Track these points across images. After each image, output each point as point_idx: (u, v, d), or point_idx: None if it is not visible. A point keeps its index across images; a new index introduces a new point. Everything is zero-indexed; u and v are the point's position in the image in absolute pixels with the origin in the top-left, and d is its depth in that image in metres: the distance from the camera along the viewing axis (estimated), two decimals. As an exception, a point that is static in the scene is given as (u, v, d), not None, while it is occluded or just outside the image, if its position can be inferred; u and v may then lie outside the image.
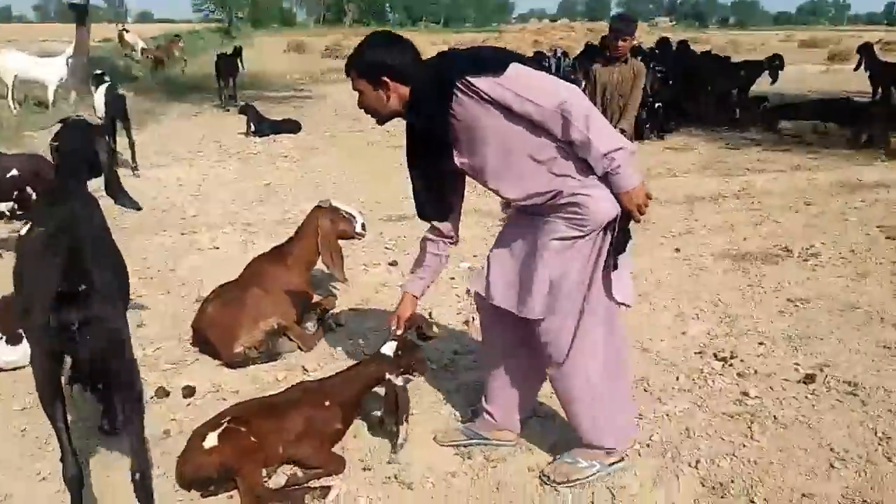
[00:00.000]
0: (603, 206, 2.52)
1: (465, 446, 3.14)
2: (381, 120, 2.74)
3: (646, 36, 25.24)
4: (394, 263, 5.48)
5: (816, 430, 3.26)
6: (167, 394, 3.59)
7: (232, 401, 3.47)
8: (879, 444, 3.15)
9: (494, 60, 2.51)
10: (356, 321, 4.45)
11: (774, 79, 13.36)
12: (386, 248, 5.86)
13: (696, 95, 12.36)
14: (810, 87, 18.04)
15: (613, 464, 2.94)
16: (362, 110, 2.74)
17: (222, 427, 2.83)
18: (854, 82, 15.02)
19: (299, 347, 4.03)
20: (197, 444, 2.82)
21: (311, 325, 4.29)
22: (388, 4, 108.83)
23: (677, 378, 3.74)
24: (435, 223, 2.92)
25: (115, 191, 3.00)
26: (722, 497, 2.84)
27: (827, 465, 3.02)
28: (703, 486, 2.91)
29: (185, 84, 18.79)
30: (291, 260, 4.42)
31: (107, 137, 3.47)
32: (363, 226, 4.63)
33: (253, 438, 2.80)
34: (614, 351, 2.85)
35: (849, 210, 6.98)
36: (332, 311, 4.49)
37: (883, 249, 5.75)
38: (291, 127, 11.53)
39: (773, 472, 2.98)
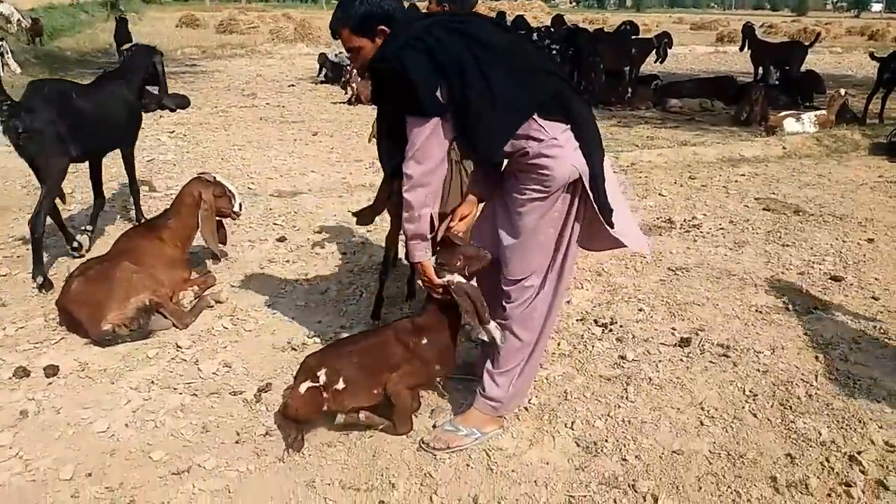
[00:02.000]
0: (564, 166, 2.54)
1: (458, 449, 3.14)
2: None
3: (545, 15, 25.59)
4: (282, 239, 5.31)
5: (689, 390, 3.36)
6: (27, 374, 3.35)
7: (99, 380, 3.29)
8: (746, 402, 3.28)
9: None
10: (238, 297, 4.28)
11: (663, 58, 13.79)
12: (275, 223, 5.68)
13: (588, 73, 12.59)
14: (700, 67, 18.76)
15: (490, 432, 2.96)
16: (356, 66, 2.78)
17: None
18: (740, 62, 15.69)
19: (174, 324, 3.84)
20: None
21: (187, 302, 4.10)
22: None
23: (559, 344, 3.78)
24: None
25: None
26: (595, 455, 2.89)
27: (697, 423, 3.12)
28: (578, 445, 2.96)
29: (69, 58, 17.65)
30: (167, 233, 4.21)
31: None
32: (240, 206, 4.45)
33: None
34: (553, 319, 2.94)
35: (730, 183, 7.27)
36: (211, 288, 4.31)
37: (760, 220, 6.02)
38: (180, 102, 11.01)
39: (646, 431, 3.05)
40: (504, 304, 2.83)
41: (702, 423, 3.11)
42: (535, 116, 2.52)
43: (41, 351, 3.60)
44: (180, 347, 3.64)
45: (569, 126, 2.58)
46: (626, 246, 2.80)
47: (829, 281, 4.73)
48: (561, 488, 2.71)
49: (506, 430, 3.01)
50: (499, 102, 2.45)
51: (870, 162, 8.31)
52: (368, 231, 5.54)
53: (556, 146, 2.53)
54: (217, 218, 4.28)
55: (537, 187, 2.58)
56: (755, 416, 3.18)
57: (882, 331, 4.00)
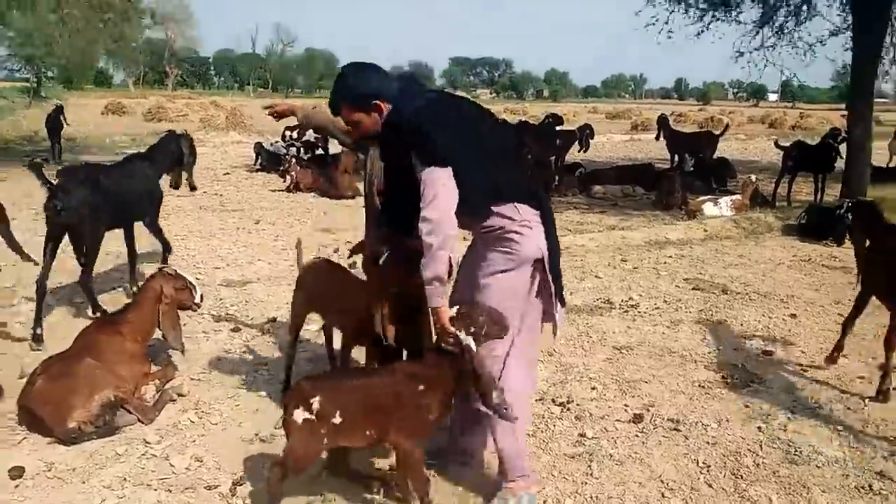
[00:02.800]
0: (531, 244, 2.89)
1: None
2: (370, 139, 3.07)
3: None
4: (236, 329, 5.34)
5: (647, 465, 3.56)
6: (-10, 478, 3.27)
7: (69, 480, 3.24)
8: (701, 473, 3.50)
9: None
10: (200, 390, 4.28)
11: (586, 147, 14.59)
12: (227, 314, 5.70)
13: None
14: (618, 154, 19.81)
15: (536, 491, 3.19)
16: (357, 139, 3.25)
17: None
18: (655, 149, 16.68)
19: (139, 420, 3.82)
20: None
21: (150, 397, 4.09)
22: (212, 68, 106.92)
23: (522, 426, 3.94)
24: None
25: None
26: (570, 534, 3.02)
27: (659, 496, 3.30)
28: (551, 524, 3.08)
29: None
30: (127, 328, 4.21)
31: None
32: (202, 297, 4.52)
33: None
34: (530, 384, 3.18)
35: (660, 265, 7.72)
36: (172, 382, 4.30)
37: (691, 299, 6.41)
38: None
39: (613, 506, 3.22)
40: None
41: (663, 496, 3.30)
42: (517, 202, 2.89)
43: (3, 452, 3.51)
44: (149, 443, 3.62)
45: (539, 213, 2.94)
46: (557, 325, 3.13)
47: (762, 355, 5.08)
48: (540, 565, 2.82)
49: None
50: (489, 178, 2.85)
51: (783, 242, 8.96)
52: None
53: (526, 227, 2.89)
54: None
55: (506, 259, 2.89)
56: (710, 486, 3.39)
57: (814, 401, 4.33)
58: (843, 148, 11.35)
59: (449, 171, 2.70)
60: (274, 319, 5.57)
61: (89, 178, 5.40)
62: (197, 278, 6.40)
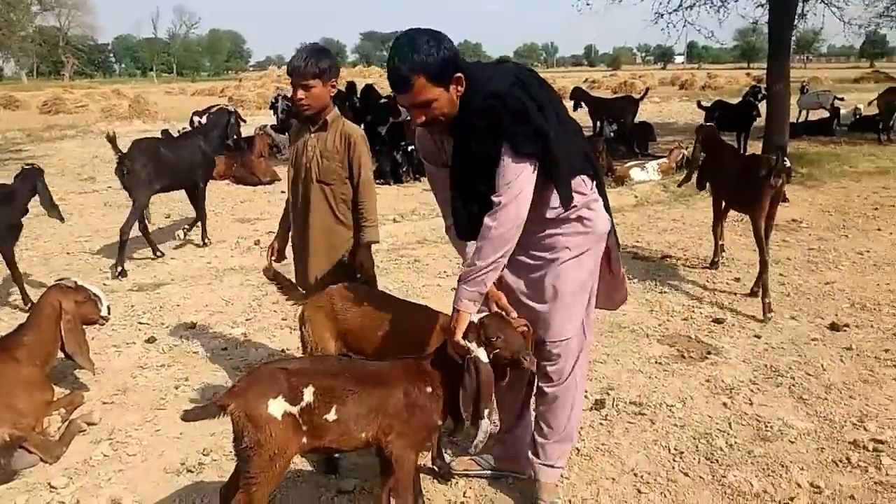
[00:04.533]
0: (603, 216, 2.66)
1: (477, 476, 3.13)
2: (443, 127, 2.47)
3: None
4: (151, 340, 4.81)
5: (617, 457, 3.30)
6: None
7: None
8: (674, 461, 3.26)
9: None
10: (113, 416, 3.78)
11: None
12: (140, 323, 5.16)
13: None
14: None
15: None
16: (423, 125, 2.46)
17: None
18: (575, 118, 16.54)
19: (42, 459, 3.32)
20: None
21: (54, 430, 3.58)
22: (112, 55, 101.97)
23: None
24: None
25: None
26: (546, 546, 2.73)
27: (635, 492, 3.05)
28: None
29: None
30: (23, 352, 3.67)
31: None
32: (108, 309, 4.02)
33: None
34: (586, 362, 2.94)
35: (595, 234, 7.50)
36: (80, 409, 3.80)
37: (633, 269, 6.22)
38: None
39: (588, 509, 2.94)
40: (547, 368, 2.76)
41: (640, 492, 3.05)
42: (583, 175, 2.60)
43: None
44: (54, 488, 3.12)
45: (595, 180, 2.66)
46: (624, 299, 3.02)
47: (713, 324, 4.92)
48: (519, 590, 2.52)
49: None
50: (568, 151, 2.50)
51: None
52: (248, 320, 5.18)
53: (595, 200, 2.64)
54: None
55: (584, 239, 2.63)
56: (686, 475, 3.16)
57: (773, 369, 4.18)
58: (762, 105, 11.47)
59: (534, 161, 2.37)
60: (193, 325, 5.07)
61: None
62: (104, 284, 5.87)
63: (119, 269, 6.25)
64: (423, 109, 2.35)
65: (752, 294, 5.42)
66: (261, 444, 2.19)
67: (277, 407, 2.21)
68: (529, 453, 2.93)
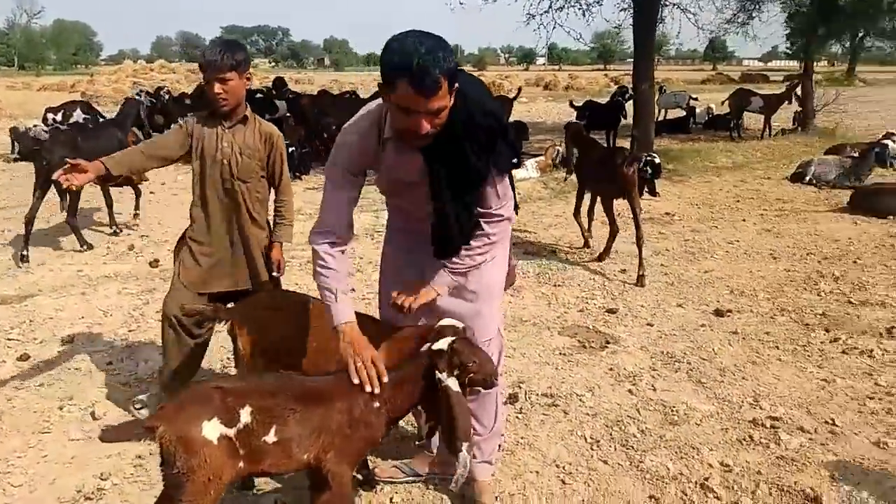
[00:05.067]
0: (512, 212, 2.65)
1: (402, 483, 3.05)
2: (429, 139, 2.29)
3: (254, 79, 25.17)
4: (24, 357, 4.37)
5: (538, 449, 3.33)
6: None
7: None
8: (592, 450, 3.33)
9: None
10: (-12, 443, 3.40)
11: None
12: (9, 339, 4.67)
13: (322, 133, 12.57)
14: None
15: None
16: (432, 130, 2.21)
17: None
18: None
19: None
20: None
21: (-80, 463, 3.17)
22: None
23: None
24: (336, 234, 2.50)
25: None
26: (480, 545, 2.70)
27: (560, 483, 3.08)
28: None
29: None
30: None
31: None
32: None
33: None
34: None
35: (484, 231, 7.59)
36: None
37: (524, 264, 6.32)
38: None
39: (517, 503, 2.94)
40: None
41: (564, 482, 3.08)
42: None
43: None
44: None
45: None
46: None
47: (607, 314, 5.09)
48: (460, 593, 2.47)
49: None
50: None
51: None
52: (131, 331, 4.83)
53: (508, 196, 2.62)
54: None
55: (496, 235, 2.60)
56: (606, 462, 3.23)
57: (669, 355, 4.37)
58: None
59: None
60: (71, 339, 4.65)
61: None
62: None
63: (23, 253, 6.36)
64: (435, 116, 2.17)
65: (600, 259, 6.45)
66: (194, 470, 1.99)
67: (212, 430, 2.02)
68: None
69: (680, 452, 3.29)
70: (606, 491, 3.02)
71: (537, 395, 3.86)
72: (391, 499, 2.97)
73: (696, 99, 18.54)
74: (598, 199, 6.77)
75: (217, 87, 3.11)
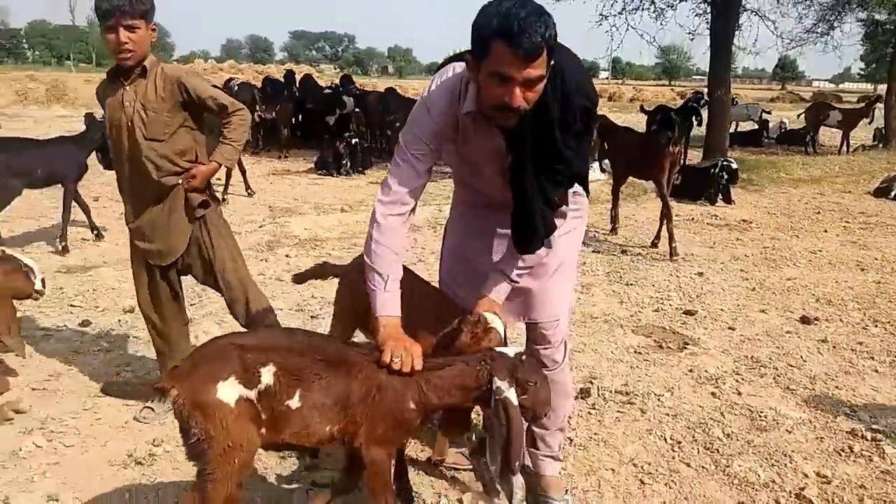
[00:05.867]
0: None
1: (465, 470, 2.87)
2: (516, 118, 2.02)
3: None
4: (86, 324, 4.34)
5: (613, 447, 3.09)
6: None
7: None
8: (674, 451, 3.07)
9: None
10: (45, 405, 3.32)
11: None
12: (72, 306, 4.66)
13: (385, 131, 12.53)
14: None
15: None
16: (517, 108, 1.94)
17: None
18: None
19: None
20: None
21: (-24, 418, 3.12)
22: (25, 41, 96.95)
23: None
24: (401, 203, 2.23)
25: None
26: (553, 542, 2.47)
27: (638, 483, 2.83)
28: (530, 533, 2.52)
29: None
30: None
31: None
32: (43, 282, 3.55)
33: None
34: None
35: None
36: (5, 395, 3.33)
37: (595, 262, 6.08)
38: None
39: (592, 501, 2.70)
40: (543, 351, 2.50)
41: (643, 482, 2.83)
42: None
43: None
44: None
45: None
46: None
47: (684, 315, 4.79)
48: (532, 590, 2.25)
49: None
50: None
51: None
52: (192, 304, 4.75)
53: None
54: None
55: (577, 211, 2.43)
56: (689, 465, 2.97)
57: (754, 360, 4.06)
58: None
59: None
60: (131, 310, 4.59)
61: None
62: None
63: (62, 244, 5.99)
64: (529, 89, 1.92)
65: (654, 245, 6.66)
66: (211, 437, 1.80)
67: (230, 391, 1.83)
68: (526, 446, 2.64)
69: (770, 459, 3.00)
70: (690, 494, 2.76)
71: (611, 391, 3.61)
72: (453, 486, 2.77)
73: (768, 112, 17.90)
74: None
75: (124, 36, 2.81)
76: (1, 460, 2.85)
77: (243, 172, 8.79)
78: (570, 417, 3.28)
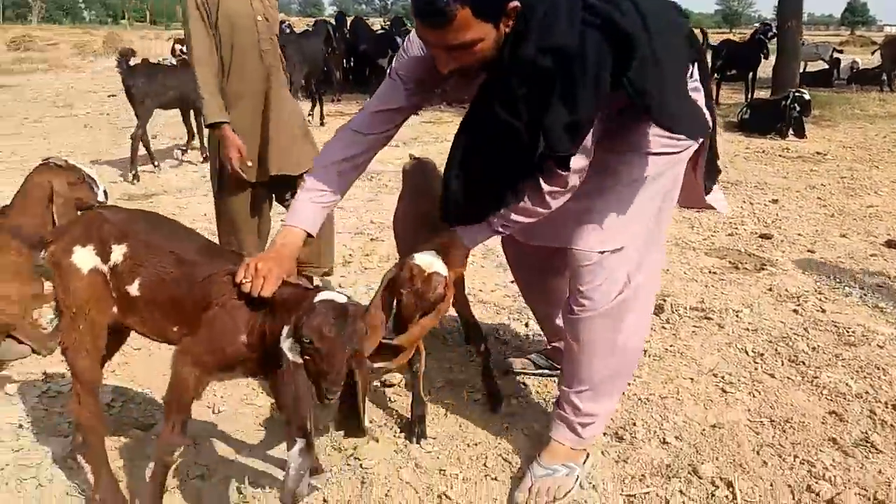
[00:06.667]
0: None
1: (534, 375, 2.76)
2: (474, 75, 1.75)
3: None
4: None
5: (691, 358, 2.94)
6: None
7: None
8: (756, 363, 2.91)
9: None
10: (112, 311, 3.34)
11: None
12: (134, 227, 4.70)
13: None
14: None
15: (585, 461, 2.20)
16: (454, 72, 1.71)
17: None
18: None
19: (34, 350, 2.88)
20: None
21: (46, 322, 3.14)
22: (81, 1, 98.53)
23: (527, 324, 3.25)
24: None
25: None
26: (629, 443, 2.36)
27: (719, 391, 2.69)
28: (604, 434, 2.40)
29: None
30: (6, 238, 3.19)
31: None
32: (105, 193, 3.53)
33: None
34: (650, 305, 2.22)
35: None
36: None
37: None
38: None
39: (671, 407, 2.58)
40: (580, 291, 1.98)
41: (724, 391, 2.68)
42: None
43: None
44: (51, 377, 2.70)
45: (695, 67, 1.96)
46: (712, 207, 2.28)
47: (760, 239, 4.57)
48: (612, 487, 2.15)
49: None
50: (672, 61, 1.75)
51: (729, 137, 8.52)
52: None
53: (696, 90, 1.94)
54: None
55: (666, 140, 1.89)
56: (773, 376, 2.80)
57: (837, 280, 3.83)
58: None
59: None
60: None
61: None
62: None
63: (133, 172, 6.16)
64: (462, 55, 1.65)
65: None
66: (63, 299, 1.83)
67: (84, 258, 1.81)
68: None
69: (862, 372, 2.81)
70: (776, 403, 2.61)
71: (685, 308, 3.45)
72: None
73: (840, 52, 16.98)
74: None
75: None
76: (71, 360, 2.87)
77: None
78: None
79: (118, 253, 1.80)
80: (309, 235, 1.93)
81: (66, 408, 2.39)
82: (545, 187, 1.80)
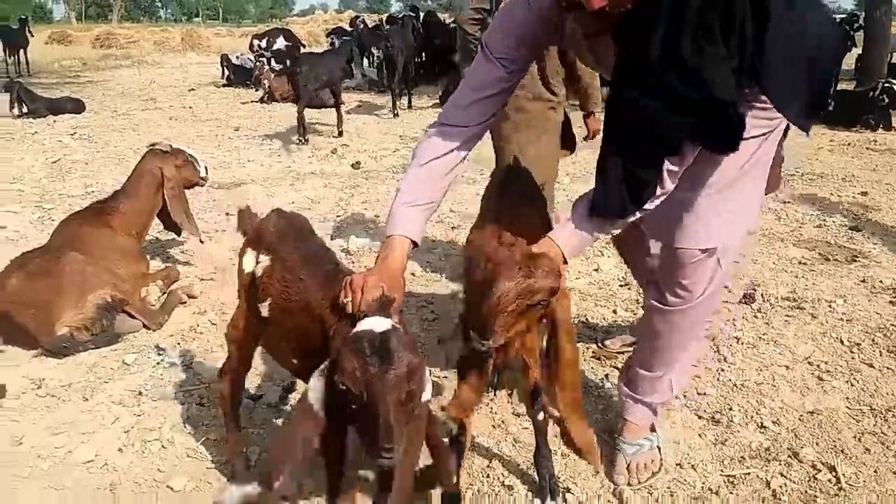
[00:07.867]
0: None
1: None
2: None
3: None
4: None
5: (785, 346, 2.91)
6: (-33, 401, 2.50)
7: (66, 398, 2.50)
8: (852, 353, 2.86)
9: None
10: (214, 291, 3.51)
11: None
12: (228, 214, 4.89)
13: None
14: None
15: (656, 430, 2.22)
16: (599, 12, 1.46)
17: None
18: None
19: (144, 325, 3.05)
20: None
21: (154, 300, 3.32)
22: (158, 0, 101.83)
23: (614, 311, 3.28)
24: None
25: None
26: (726, 427, 2.36)
27: (815, 379, 2.66)
28: (700, 417, 2.43)
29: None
30: (118, 220, 3.40)
31: None
32: (206, 170, 3.74)
33: None
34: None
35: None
36: (178, 284, 3.53)
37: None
38: (74, 106, 9.82)
39: (766, 392, 2.57)
40: (680, 285, 1.92)
41: (820, 379, 2.66)
42: None
43: (-26, 370, 2.73)
44: (163, 350, 2.86)
45: None
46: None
47: (851, 231, 4.45)
48: (712, 468, 2.16)
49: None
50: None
51: (813, 130, 8.11)
52: (338, 216, 4.88)
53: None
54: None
55: (764, 121, 1.74)
56: (871, 366, 2.76)
57: (936, 273, 3.72)
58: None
59: None
60: (284, 218, 4.77)
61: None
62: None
63: (303, 138, 7.53)
64: None
65: None
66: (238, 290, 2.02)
67: (249, 261, 1.92)
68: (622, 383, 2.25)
69: (969, 364, 2.75)
70: (876, 392, 2.57)
71: (777, 297, 3.41)
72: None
73: (932, 42, 16.18)
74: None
75: None
76: (180, 334, 3.04)
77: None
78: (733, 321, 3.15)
79: (260, 266, 1.81)
80: (414, 244, 1.76)
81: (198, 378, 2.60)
82: (670, 167, 1.66)
